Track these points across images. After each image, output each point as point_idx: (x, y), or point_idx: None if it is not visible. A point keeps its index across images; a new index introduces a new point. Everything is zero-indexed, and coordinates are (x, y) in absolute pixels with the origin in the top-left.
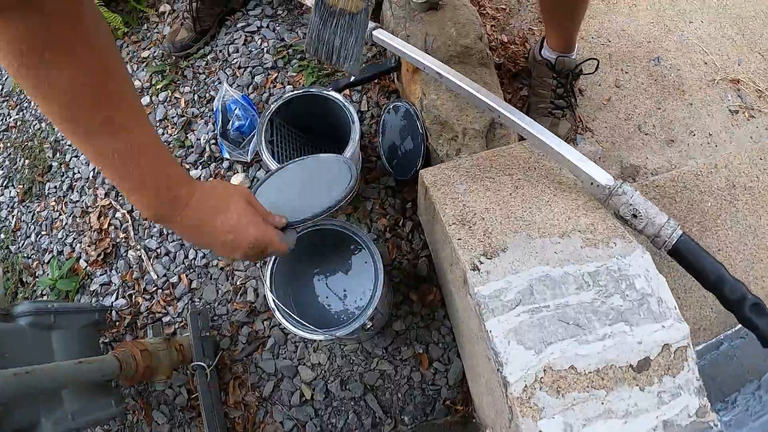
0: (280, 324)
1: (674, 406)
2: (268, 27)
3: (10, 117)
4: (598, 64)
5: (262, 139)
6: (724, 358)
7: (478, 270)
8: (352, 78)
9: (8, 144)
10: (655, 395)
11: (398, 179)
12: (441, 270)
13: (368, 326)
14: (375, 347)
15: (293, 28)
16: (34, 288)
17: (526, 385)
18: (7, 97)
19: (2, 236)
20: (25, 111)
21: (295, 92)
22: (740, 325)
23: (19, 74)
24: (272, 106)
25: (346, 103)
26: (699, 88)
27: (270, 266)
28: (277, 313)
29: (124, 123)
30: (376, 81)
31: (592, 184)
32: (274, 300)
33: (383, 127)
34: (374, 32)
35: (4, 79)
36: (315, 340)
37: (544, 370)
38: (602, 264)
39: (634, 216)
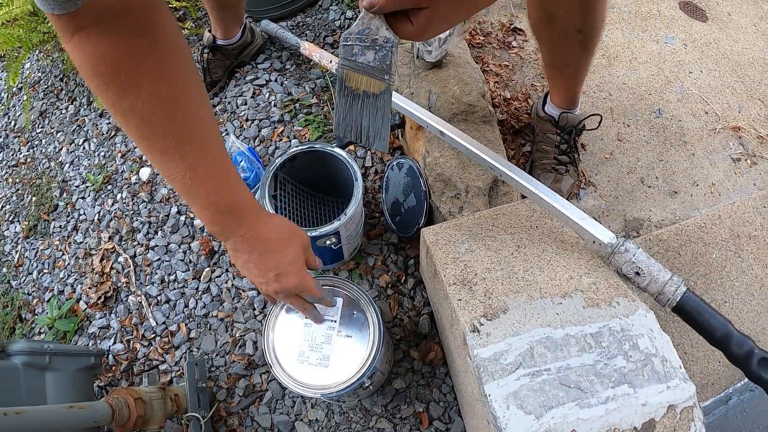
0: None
1: None
2: (276, 81)
3: (21, 153)
4: (601, 119)
5: (266, 194)
6: (734, 413)
7: (478, 332)
8: None
9: (17, 180)
10: None
11: (401, 236)
12: (442, 328)
13: (367, 385)
14: (374, 405)
15: (301, 83)
16: (33, 325)
17: None
18: (19, 133)
19: (4, 270)
20: (35, 148)
21: (300, 148)
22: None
23: (99, 91)
24: (276, 161)
25: (350, 160)
26: (701, 137)
27: (274, 315)
28: (274, 368)
29: (196, 149)
30: None
31: (594, 242)
32: (273, 355)
33: (387, 183)
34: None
35: (17, 114)
36: (290, 390)
37: None
38: (605, 324)
39: (637, 274)
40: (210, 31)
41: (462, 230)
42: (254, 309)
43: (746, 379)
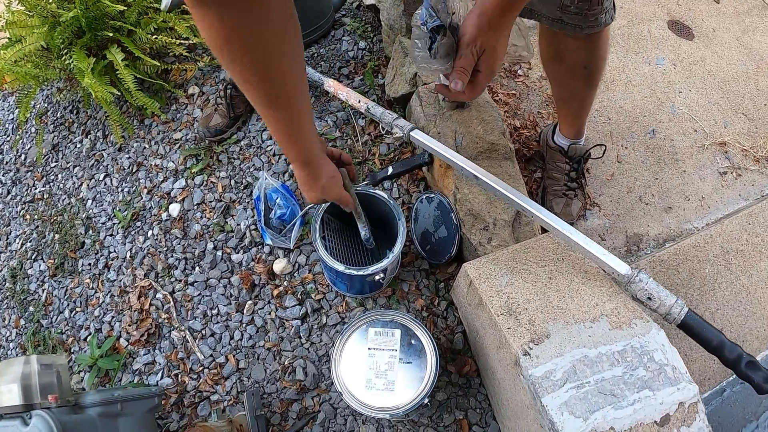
0: (340, 399)
1: None
2: None
3: (36, 188)
4: (605, 149)
5: (317, 236)
6: (728, 403)
7: (529, 355)
8: (389, 171)
9: (35, 216)
10: None
11: (432, 263)
12: (479, 345)
13: (426, 402)
14: (421, 416)
15: (322, 116)
16: (71, 364)
17: None
18: (31, 168)
19: (31, 309)
20: (51, 183)
21: None
22: None
23: (217, 57)
24: (323, 205)
25: (392, 202)
26: (691, 155)
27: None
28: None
29: (283, 106)
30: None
31: (613, 273)
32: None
33: (416, 214)
34: (411, 133)
35: (27, 148)
36: (363, 414)
37: None
38: (627, 343)
39: (649, 299)
40: None
41: (500, 265)
42: (300, 337)
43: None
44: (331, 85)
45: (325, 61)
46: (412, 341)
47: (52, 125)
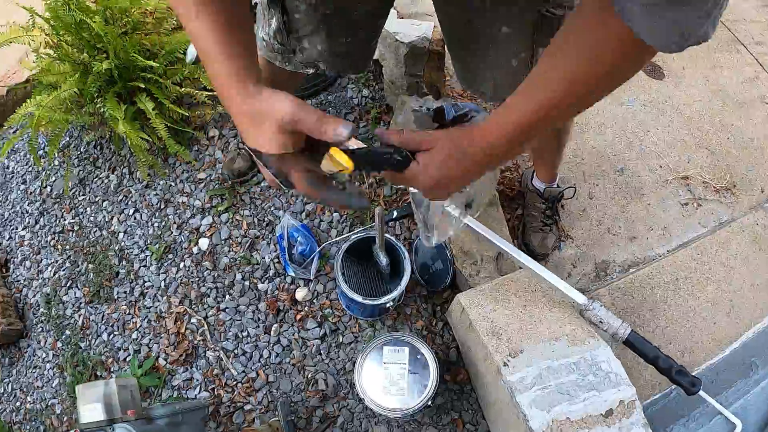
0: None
1: None
2: None
3: (65, 220)
4: (575, 191)
5: (339, 274)
6: (671, 403)
7: (508, 366)
8: (395, 214)
9: (66, 246)
10: (617, 430)
11: (430, 290)
12: (470, 358)
13: (430, 405)
14: (423, 417)
15: None
16: None
17: (543, 431)
18: (59, 200)
19: (68, 332)
20: (81, 216)
21: (359, 235)
22: None
23: None
24: (343, 246)
25: (399, 244)
26: (655, 189)
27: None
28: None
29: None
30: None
31: (573, 302)
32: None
33: (416, 249)
34: (411, 189)
35: (52, 180)
36: (376, 415)
37: (552, 421)
38: (581, 357)
39: (600, 322)
40: None
41: (486, 295)
42: (321, 354)
43: None
44: None
45: (333, 108)
46: (418, 356)
47: (76, 159)
